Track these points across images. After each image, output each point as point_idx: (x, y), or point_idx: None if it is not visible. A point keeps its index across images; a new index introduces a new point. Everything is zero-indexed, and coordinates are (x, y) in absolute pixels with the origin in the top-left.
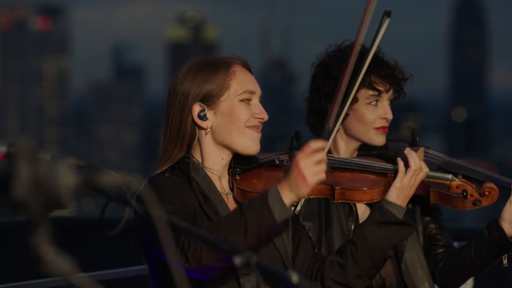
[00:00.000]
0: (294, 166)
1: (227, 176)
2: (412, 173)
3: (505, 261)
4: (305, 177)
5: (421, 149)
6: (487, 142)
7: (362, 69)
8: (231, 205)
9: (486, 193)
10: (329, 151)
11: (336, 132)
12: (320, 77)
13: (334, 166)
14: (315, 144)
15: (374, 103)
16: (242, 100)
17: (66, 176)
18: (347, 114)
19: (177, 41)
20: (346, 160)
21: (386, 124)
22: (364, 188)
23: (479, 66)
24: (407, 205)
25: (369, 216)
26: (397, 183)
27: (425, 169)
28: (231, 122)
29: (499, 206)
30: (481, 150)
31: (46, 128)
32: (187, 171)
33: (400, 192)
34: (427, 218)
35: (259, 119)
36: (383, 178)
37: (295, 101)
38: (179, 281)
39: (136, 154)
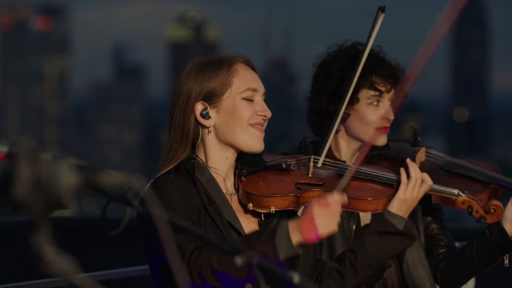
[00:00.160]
0: (308, 211)
1: (232, 177)
2: (413, 183)
3: (506, 261)
4: (316, 227)
5: (423, 149)
6: (488, 142)
7: (358, 66)
8: (235, 206)
9: (492, 210)
10: (330, 151)
11: (337, 133)
12: (321, 77)
13: (341, 174)
14: (333, 197)
15: (375, 103)
16: (244, 98)
17: (66, 176)
18: (348, 114)
19: (177, 41)
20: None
21: (388, 124)
22: (369, 198)
23: (480, 66)
24: None
25: (369, 225)
26: (400, 194)
27: (429, 181)
28: (234, 120)
29: None
30: (482, 150)
31: (46, 128)
32: (192, 172)
33: (402, 204)
34: (429, 218)
35: (262, 117)
36: (389, 188)
37: (296, 101)
38: (180, 282)
39: (137, 154)
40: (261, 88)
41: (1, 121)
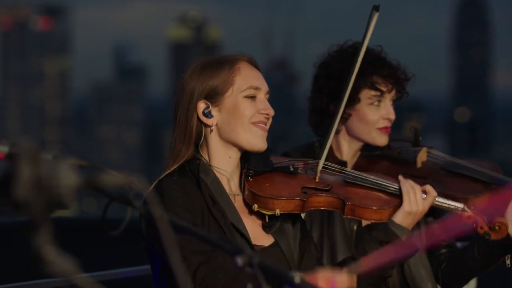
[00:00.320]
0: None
1: (236, 177)
2: (419, 195)
3: (508, 261)
4: None
5: (424, 149)
6: (490, 142)
7: (355, 66)
8: (239, 206)
9: (497, 227)
10: (331, 151)
11: (339, 133)
12: (322, 77)
13: (348, 181)
14: (341, 278)
15: (376, 103)
16: (246, 96)
17: (67, 176)
18: (349, 114)
19: (178, 41)
20: (360, 177)
21: (389, 125)
22: (374, 207)
23: (482, 66)
24: None
25: (372, 234)
26: (405, 206)
27: (433, 193)
28: (236, 119)
29: None
30: (484, 150)
31: (47, 128)
32: (197, 173)
33: (407, 215)
34: (430, 218)
35: (265, 115)
36: (395, 199)
37: (297, 101)
38: (182, 284)
39: (138, 154)
40: (264, 87)
41: (1, 121)
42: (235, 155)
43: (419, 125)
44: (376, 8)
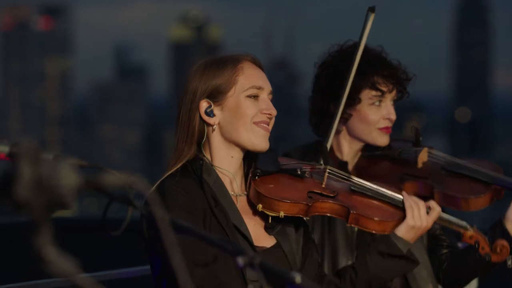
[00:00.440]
0: None
1: (239, 178)
2: (422, 210)
3: (509, 262)
4: None
5: (425, 150)
6: (491, 142)
7: (352, 67)
8: (241, 207)
9: (498, 250)
10: (332, 152)
11: (339, 133)
12: (323, 77)
13: (354, 189)
14: None
15: (377, 103)
16: (249, 96)
17: (68, 176)
18: (350, 115)
19: (179, 41)
20: (367, 186)
21: (390, 125)
22: (378, 219)
23: (482, 66)
24: None
25: (373, 244)
26: (409, 220)
27: (437, 208)
28: (238, 118)
29: (503, 207)
30: (485, 150)
31: (48, 128)
32: (200, 174)
33: (410, 229)
34: None
35: (267, 115)
36: (400, 212)
37: (298, 101)
38: (183, 284)
39: (139, 154)
40: (267, 87)
41: (2, 121)
42: (237, 155)
43: (420, 125)
44: (371, 9)
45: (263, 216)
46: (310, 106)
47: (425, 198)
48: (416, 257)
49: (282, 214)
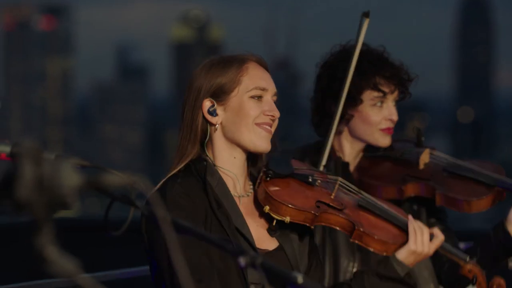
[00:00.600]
0: None
1: (242, 179)
2: (426, 237)
3: (510, 264)
4: None
5: (427, 151)
6: (494, 142)
7: (348, 73)
8: (244, 208)
9: (495, 287)
10: (333, 152)
11: (341, 134)
12: (325, 77)
13: (362, 205)
14: None
15: (379, 104)
16: (252, 97)
17: (70, 176)
18: (351, 115)
19: (181, 41)
20: (375, 204)
21: (391, 125)
22: (383, 239)
23: (486, 65)
24: (412, 207)
25: (373, 266)
26: (411, 245)
27: (440, 236)
28: (240, 119)
29: (505, 208)
30: (487, 151)
31: (49, 128)
32: (204, 175)
33: (411, 254)
34: (433, 220)
35: (270, 116)
36: (404, 234)
37: (300, 101)
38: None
39: (140, 154)
40: (272, 88)
41: (4, 121)
42: (239, 155)
43: (422, 125)
44: (365, 14)
45: (267, 218)
46: (312, 106)
47: (426, 199)
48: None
49: (288, 219)
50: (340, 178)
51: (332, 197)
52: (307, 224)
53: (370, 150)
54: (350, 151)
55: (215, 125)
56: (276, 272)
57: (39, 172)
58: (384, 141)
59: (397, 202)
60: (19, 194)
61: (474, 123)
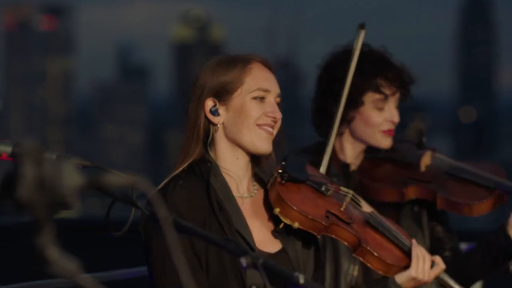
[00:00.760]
0: None
1: (246, 180)
2: (427, 264)
3: (511, 267)
4: None
5: (428, 153)
6: (496, 143)
7: (347, 80)
8: (247, 209)
9: None
10: (334, 153)
11: (342, 135)
12: (326, 78)
13: (369, 222)
14: None
15: (380, 106)
16: (255, 98)
17: (71, 176)
18: (353, 117)
19: (182, 41)
20: (383, 224)
21: (393, 127)
22: (386, 260)
23: (487, 65)
24: (413, 208)
25: (371, 285)
26: (412, 271)
27: (442, 265)
28: (242, 119)
29: (506, 209)
30: (489, 151)
31: (50, 128)
32: (208, 178)
33: (410, 279)
34: (434, 221)
35: (272, 118)
36: (406, 259)
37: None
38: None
39: (141, 154)
40: (275, 90)
41: (4, 121)
42: (242, 156)
43: (424, 126)
44: (361, 26)
45: (272, 219)
46: (313, 106)
47: (427, 202)
48: None
49: (296, 225)
50: (352, 192)
51: (342, 209)
52: (314, 233)
53: (371, 151)
54: (351, 152)
55: (216, 125)
56: (277, 272)
57: (40, 172)
58: (385, 142)
59: (398, 205)
60: (20, 194)
61: (475, 123)
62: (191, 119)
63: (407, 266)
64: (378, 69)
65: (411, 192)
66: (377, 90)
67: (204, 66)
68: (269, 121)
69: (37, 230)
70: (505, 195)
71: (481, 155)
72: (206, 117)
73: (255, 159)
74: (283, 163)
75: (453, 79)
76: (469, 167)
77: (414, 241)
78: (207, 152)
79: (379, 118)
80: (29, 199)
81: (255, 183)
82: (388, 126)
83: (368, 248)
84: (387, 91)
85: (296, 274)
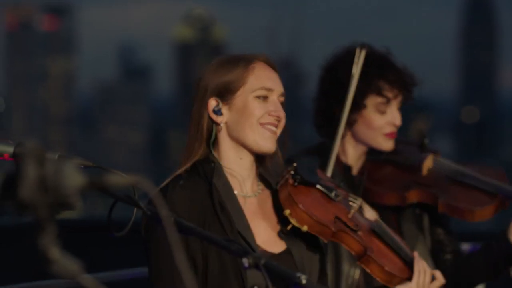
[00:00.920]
0: None
1: (250, 180)
2: (428, 278)
3: None
4: None
5: (430, 156)
6: (497, 143)
7: (348, 98)
8: (251, 209)
9: None
10: (337, 156)
11: (344, 137)
12: (327, 80)
13: (375, 231)
14: None
15: (382, 109)
16: (257, 97)
17: (73, 176)
18: (355, 120)
19: (184, 41)
20: (388, 233)
21: (395, 130)
22: (389, 270)
23: (489, 66)
24: (415, 211)
25: None
26: (413, 285)
27: (442, 280)
28: (245, 118)
29: (508, 210)
30: (491, 151)
31: (52, 128)
32: (211, 178)
33: None
34: (435, 224)
35: (275, 117)
36: (408, 270)
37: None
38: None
39: (143, 155)
40: (278, 89)
41: (6, 121)
42: (246, 156)
43: (426, 126)
44: (362, 46)
45: (278, 219)
46: (314, 107)
47: (428, 205)
48: None
49: (306, 228)
50: (361, 199)
51: (349, 216)
52: (321, 237)
53: (373, 153)
54: (353, 154)
55: (220, 124)
56: (279, 273)
57: (41, 173)
58: (387, 145)
59: (399, 207)
60: (22, 194)
61: (478, 124)
62: (194, 119)
63: (408, 278)
64: (380, 71)
65: (413, 196)
66: (379, 93)
67: (206, 67)
68: (272, 120)
69: (39, 231)
70: (507, 200)
71: (484, 155)
72: (209, 117)
73: (260, 158)
74: (295, 164)
75: (455, 79)
76: (470, 171)
77: (416, 253)
78: (211, 152)
79: (381, 121)
80: (31, 200)
81: (259, 183)
82: (390, 129)
83: (373, 257)
84: (389, 94)
85: (298, 274)
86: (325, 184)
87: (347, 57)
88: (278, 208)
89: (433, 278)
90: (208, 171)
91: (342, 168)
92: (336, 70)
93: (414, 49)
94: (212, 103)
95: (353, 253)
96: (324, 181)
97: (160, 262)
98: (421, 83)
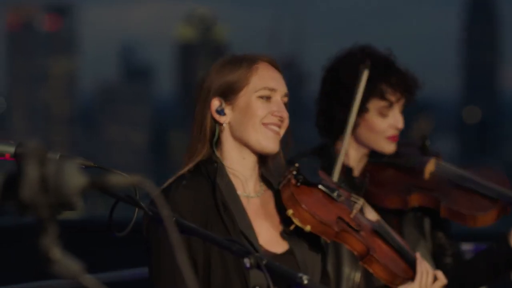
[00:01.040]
0: None
1: (253, 180)
2: (430, 279)
3: None
4: None
5: (432, 160)
6: (500, 143)
7: (352, 113)
8: (254, 209)
9: None
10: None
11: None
12: (330, 81)
13: (377, 231)
14: None
15: (385, 112)
16: (260, 97)
17: (74, 176)
18: (357, 123)
19: (185, 41)
20: (390, 234)
21: (397, 133)
22: (392, 271)
23: (491, 65)
24: (416, 214)
25: None
26: (415, 285)
27: (443, 280)
28: (247, 118)
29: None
30: (493, 151)
31: (54, 128)
32: (214, 178)
33: None
34: (436, 227)
35: (278, 117)
36: (410, 271)
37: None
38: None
39: (144, 155)
40: (281, 89)
41: (7, 121)
42: (249, 156)
43: (428, 126)
44: (366, 66)
45: (280, 219)
46: (317, 108)
47: (430, 209)
48: None
49: (308, 228)
50: (362, 200)
51: (351, 216)
52: (324, 237)
53: (375, 155)
54: (355, 156)
55: (223, 124)
56: (281, 273)
57: (43, 173)
58: (389, 148)
59: (401, 211)
60: (24, 194)
61: (479, 124)
62: (197, 119)
63: (409, 278)
64: (382, 74)
65: (415, 200)
66: (382, 97)
67: (210, 66)
68: (275, 120)
69: (40, 231)
70: (509, 206)
71: (485, 155)
72: (212, 117)
73: (262, 159)
74: (297, 165)
75: (456, 79)
76: (472, 176)
77: (418, 254)
78: (214, 152)
79: (384, 125)
80: (32, 200)
81: (261, 184)
82: (392, 132)
83: (376, 256)
84: (392, 98)
85: (300, 274)
86: (327, 185)
87: (348, 59)
88: (280, 208)
89: (435, 279)
90: (211, 171)
91: (344, 169)
92: (337, 71)
93: (415, 49)
94: (215, 103)
95: (355, 253)
96: (326, 181)
97: (161, 263)
98: (423, 84)
